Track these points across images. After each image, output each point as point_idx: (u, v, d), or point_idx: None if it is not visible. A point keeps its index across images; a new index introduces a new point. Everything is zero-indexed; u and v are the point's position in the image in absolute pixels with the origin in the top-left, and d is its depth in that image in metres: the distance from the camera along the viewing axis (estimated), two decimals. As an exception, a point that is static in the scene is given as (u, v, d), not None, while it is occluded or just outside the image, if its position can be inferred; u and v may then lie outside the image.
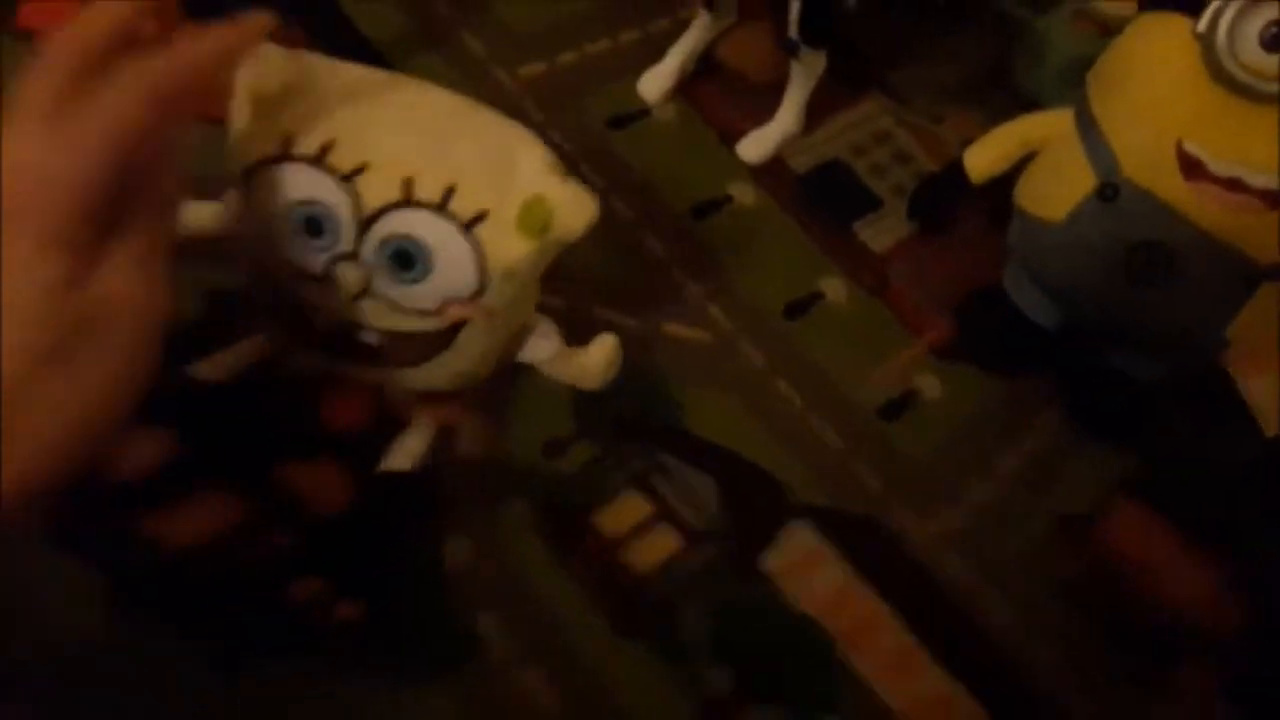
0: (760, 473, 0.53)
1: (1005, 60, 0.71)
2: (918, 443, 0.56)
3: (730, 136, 0.65)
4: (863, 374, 0.58)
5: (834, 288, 0.61)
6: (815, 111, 0.66)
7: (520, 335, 0.49)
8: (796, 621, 0.48)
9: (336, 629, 0.43)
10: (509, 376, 0.51)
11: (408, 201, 0.41)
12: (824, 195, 0.65)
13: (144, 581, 0.42)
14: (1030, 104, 0.67)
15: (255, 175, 0.41)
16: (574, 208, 0.42)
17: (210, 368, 0.47)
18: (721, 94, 0.67)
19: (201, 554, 0.42)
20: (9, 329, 0.30)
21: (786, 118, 0.65)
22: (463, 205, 0.41)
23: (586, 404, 0.52)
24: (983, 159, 0.58)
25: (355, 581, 0.44)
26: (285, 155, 0.41)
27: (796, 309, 0.60)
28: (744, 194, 0.64)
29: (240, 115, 0.41)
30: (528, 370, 0.51)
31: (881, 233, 0.64)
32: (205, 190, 0.44)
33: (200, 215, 0.46)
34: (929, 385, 0.59)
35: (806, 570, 0.50)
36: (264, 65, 0.41)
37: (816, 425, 0.56)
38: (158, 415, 0.44)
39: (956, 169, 0.59)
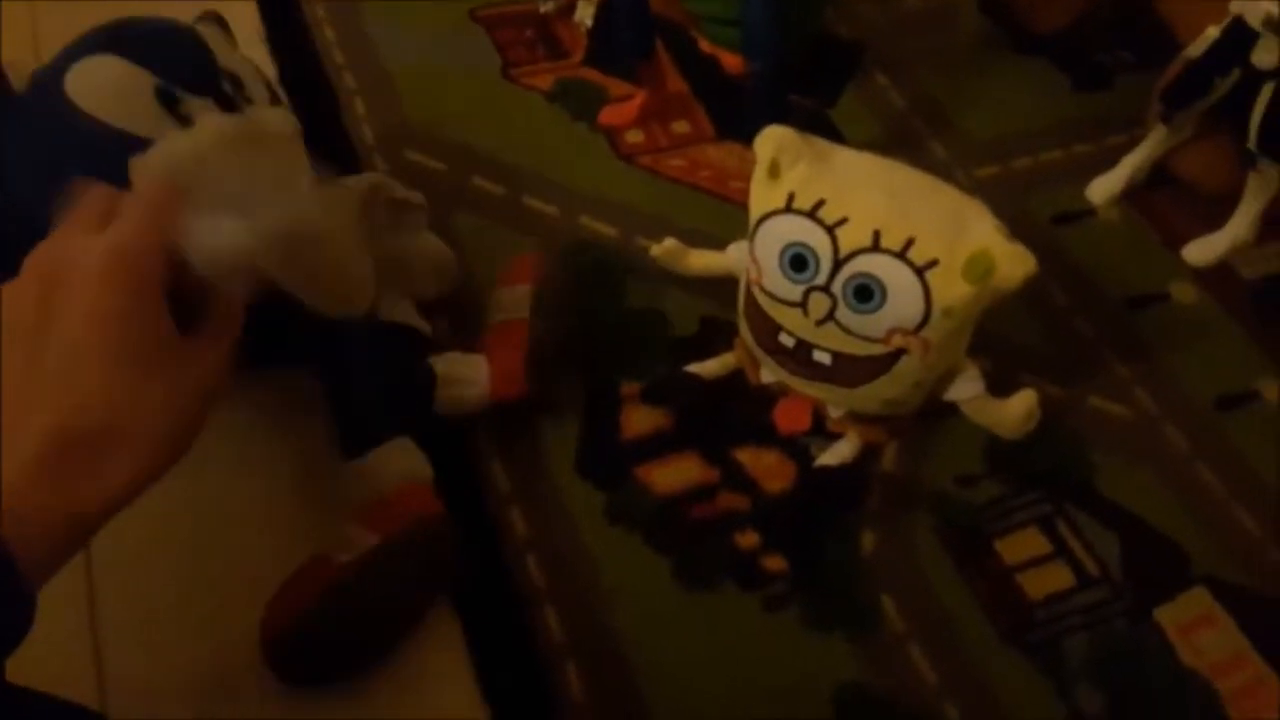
0: (1166, 539, 0.55)
1: None
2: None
3: (1175, 242, 0.69)
4: (1297, 475, 0.58)
5: (1274, 391, 0.62)
6: (1272, 224, 0.67)
7: (948, 377, 0.57)
8: (1182, 671, 0.50)
9: (764, 574, 0.54)
10: (935, 418, 0.59)
11: (875, 248, 0.52)
12: (1275, 302, 0.65)
13: (635, 512, 0.57)
14: None
15: (763, 223, 0.55)
16: (1015, 261, 0.50)
17: (700, 369, 0.61)
18: (1171, 202, 0.71)
19: (676, 499, 0.56)
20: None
21: (1239, 226, 0.67)
22: (919, 253, 0.51)
23: (1002, 451, 0.59)
24: None
25: (784, 543, 0.55)
26: (788, 208, 0.55)
27: (1229, 403, 0.61)
28: (1184, 293, 0.67)
29: (758, 181, 0.56)
30: (953, 415, 0.58)
31: (1338, 345, 0.63)
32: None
33: (720, 261, 0.62)
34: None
35: (1200, 629, 0.51)
36: (781, 144, 0.55)
37: (1236, 512, 0.57)
38: (659, 399, 0.60)
39: None
